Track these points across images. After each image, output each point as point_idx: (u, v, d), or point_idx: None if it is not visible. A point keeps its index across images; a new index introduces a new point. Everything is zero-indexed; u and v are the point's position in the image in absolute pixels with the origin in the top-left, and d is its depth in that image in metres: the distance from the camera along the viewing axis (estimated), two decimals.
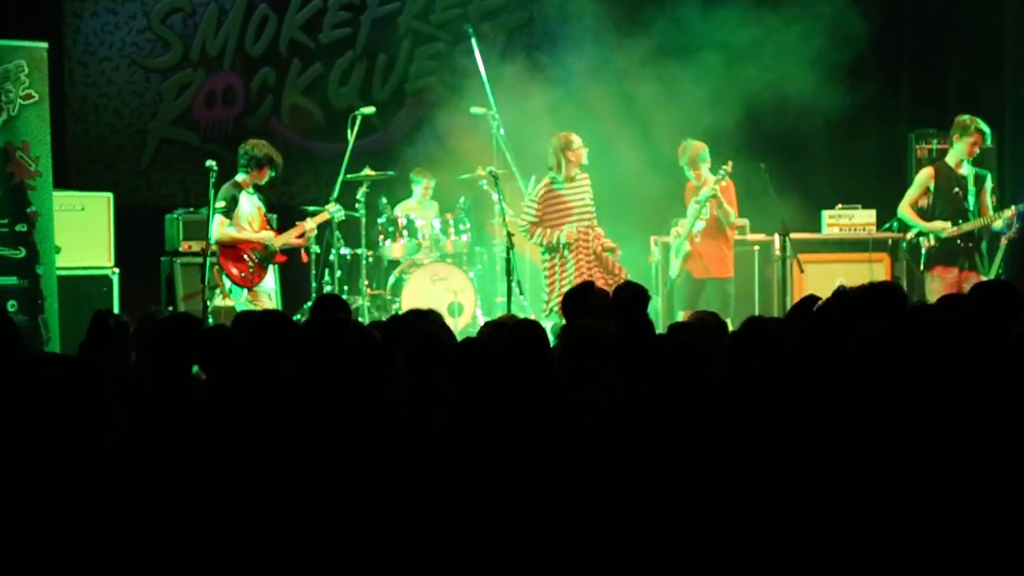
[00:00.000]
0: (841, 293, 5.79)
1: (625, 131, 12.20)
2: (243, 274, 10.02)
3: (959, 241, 10.13)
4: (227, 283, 10.03)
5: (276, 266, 10.43)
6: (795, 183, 11.61)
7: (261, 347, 5.31)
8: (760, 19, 12.26)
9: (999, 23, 13.01)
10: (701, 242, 10.42)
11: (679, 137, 10.87)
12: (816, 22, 12.24)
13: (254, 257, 10.08)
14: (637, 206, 11.68)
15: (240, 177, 10.17)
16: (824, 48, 12.27)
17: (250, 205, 10.16)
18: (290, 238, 10.38)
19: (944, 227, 10.09)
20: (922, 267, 10.34)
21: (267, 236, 10.17)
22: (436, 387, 5.12)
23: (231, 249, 10.02)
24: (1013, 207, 10.27)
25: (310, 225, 10.49)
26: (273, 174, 10.24)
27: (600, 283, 9.25)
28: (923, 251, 10.24)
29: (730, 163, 10.33)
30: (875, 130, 13.08)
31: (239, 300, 10.04)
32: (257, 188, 10.28)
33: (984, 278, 9.88)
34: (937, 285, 10.01)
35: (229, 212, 10.03)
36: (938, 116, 12.51)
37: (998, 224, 10.17)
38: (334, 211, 10.77)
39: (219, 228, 9.96)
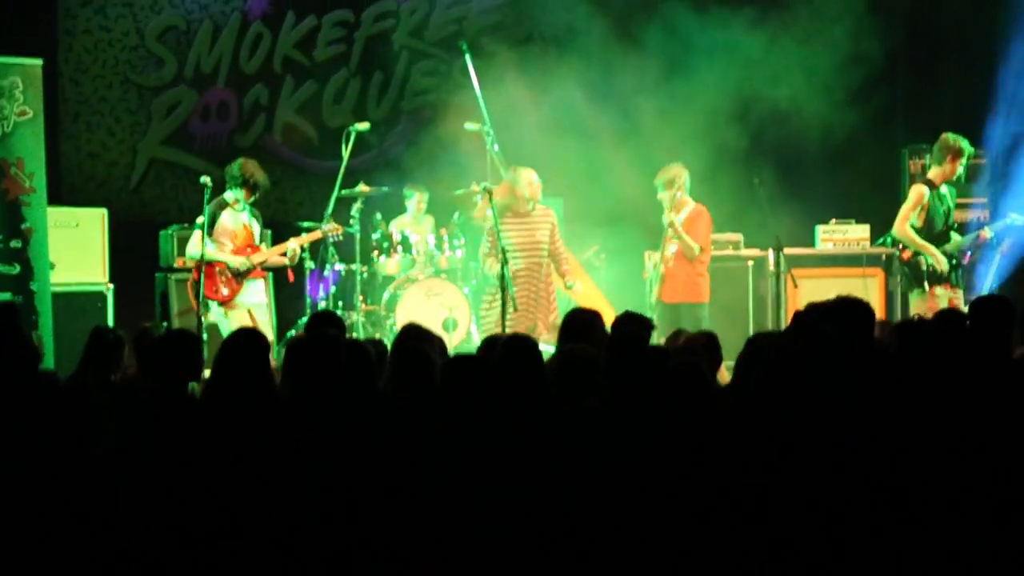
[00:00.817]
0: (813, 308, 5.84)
1: (621, 146, 12.22)
2: (215, 289, 9.98)
3: (953, 259, 10.17)
4: (201, 297, 9.98)
5: (268, 280, 10.38)
6: (789, 198, 11.62)
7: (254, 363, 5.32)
8: (756, 37, 12.30)
9: (992, 39, 13.06)
10: (674, 266, 10.39)
11: (675, 152, 10.89)
12: (811, 39, 12.28)
13: (227, 272, 10.05)
14: (633, 221, 11.69)
15: (227, 195, 10.16)
16: (819, 65, 12.31)
17: (234, 222, 10.13)
18: (272, 255, 10.32)
19: (940, 260, 10.04)
20: (926, 285, 10.24)
21: (240, 261, 10.08)
22: (423, 401, 5.13)
23: (206, 266, 9.99)
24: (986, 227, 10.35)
25: (293, 245, 10.42)
26: (256, 196, 10.22)
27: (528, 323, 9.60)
28: (923, 269, 10.19)
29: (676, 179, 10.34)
30: (869, 145, 13.11)
31: (215, 314, 10.00)
32: (252, 205, 10.29)
33: (959, 291, 9.96)
34: (938, 302, 10.01)
35: (208, 229, 10.01)
36: (932, 131, 12.49)
37: (988, 234, 10.20)
38: (329, 230, 10.75)
39: (196, 244, 9.96)
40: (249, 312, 10.04)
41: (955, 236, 10.18)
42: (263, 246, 10.48)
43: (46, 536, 4.08)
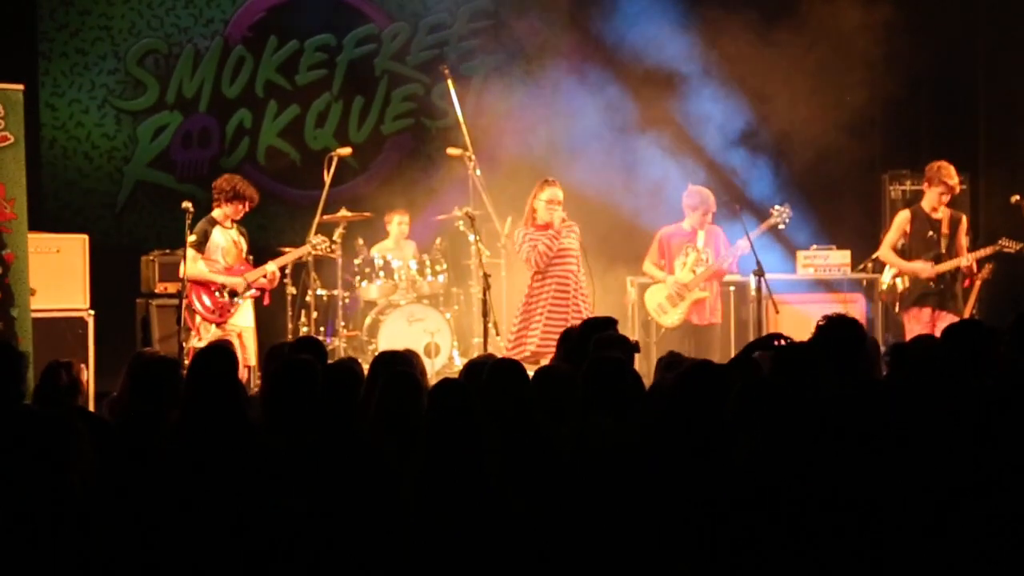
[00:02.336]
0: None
1: (605, 166, 12.24)
2: (213, 310, 9.98)
3: (931, 283, 10.18)
4: (198, 320, 9.99)
5: (252, 303, 10.36)
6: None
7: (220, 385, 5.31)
8: (739, 63, 12.35)
9: (972, 63, 13.13)
10: (706, 288, 10.52)
11: (659, 173, 10.94)
12: (796, 68, 12.34)
13: (225, 292, 10.05)
14: (616, 243, 11.70)
15: (216, 212, 10.18)
16: (800, 91, 12.36)
17: (224, 239, 10.15)
18: (256, 277, 10.31)
19: (924, 268, 10.14)
20: (898, 308, 10.40)
21: (236, 282, 10.11)
22: (408, 428, 5.12)
23: (201, 284, 10.00)
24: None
25: (271, 268, 10.39)
26: (246, 208, 10.21)
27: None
28: (899, 291, 10.32)
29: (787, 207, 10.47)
30: (849, 171, 13.16)
31: (207, 336, 9.96)
32: (240, 223, 10.29)
33: (943, 314, 9.98)
34: (912, 326, 10.09)
35: (200, 246, 10.03)
36: (912, 157, 12.61)
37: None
38: (316, 241, 10.73)
39: (190, 263, 9.95)
40: (240, 336, 10.00)
41: (949, 261, 10.20)
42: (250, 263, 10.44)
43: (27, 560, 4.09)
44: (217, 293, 10.04)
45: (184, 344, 9.86)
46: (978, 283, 10.73)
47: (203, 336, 9.94)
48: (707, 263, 10.52)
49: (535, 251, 9.66)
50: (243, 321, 10.21)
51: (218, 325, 10.02)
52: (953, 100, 13.16)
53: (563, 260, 9.75)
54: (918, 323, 10.04)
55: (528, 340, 9.70)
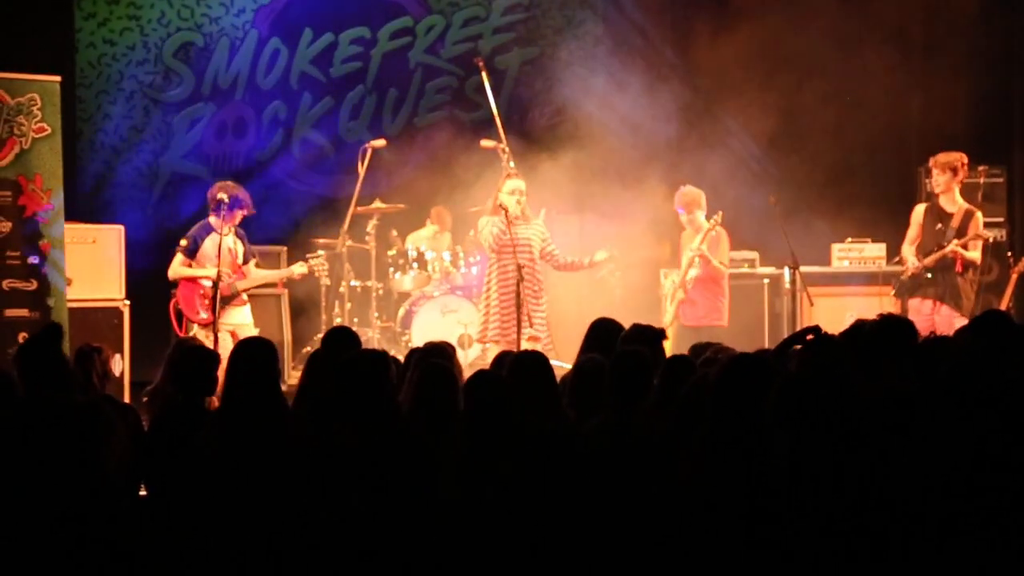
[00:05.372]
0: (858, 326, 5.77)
1: (636, 161, 12.23)
2: (196, 312, 9.83)
3: (928, 274, 10.10)
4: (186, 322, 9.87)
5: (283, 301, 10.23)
6: (805, 217, 11.61)
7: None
8: (769, 53, 12.30)
9: (1009, 55, 13.05)
10: (694, 289, 10.38)
11: (692, 168, 10.89)
12: (827, 56, 12.28)
13: (208, 296, 9.73)
14: (648, 238, 11.68)
15: (211, 220, 9.92)
16: (835, 82, 12.30)
17: (216, 247, 9.76)
18: (247, 286, 10.04)
19: (911, 260, 10.09)
20: (894, 295, 10.37)
21: (223, 270, 9.74)
22: (443, 419, 5.13)
23: (185, 289, 9.87)
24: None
25: (299, 272, 10.20)
26: (243, 213, 9.90)
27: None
28: (900, 282, 10.27)
29: (720, 213, 10.26)
30: (885, 164, 13.10)
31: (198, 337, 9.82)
32: (239, 228, 10.04)
33: (956, 312, 9.89)
34: (913, 317, 9.98)
35: (190, 251, 9.86)
36: (948, 150, 12.50)
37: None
38: (296, 268, 10.24)
39: (174, 265, 9.89)
40: (232, 334, 9.86)
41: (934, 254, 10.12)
42: (251, 265, 10.14)
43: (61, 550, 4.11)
44: (201, 295, 9.79)
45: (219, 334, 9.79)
46: (1014, 276, 10.64)
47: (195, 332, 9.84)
48: (698, 264, 10.35)
49: (491, 234, 9.54)
50: (237, 319, 9.97)
51: (204, 326, 9.74)
52: (989, 93, 13.07)
53: (517, 249, 9.52)
54: (918, 315, 9.95)
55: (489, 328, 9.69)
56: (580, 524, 4.69)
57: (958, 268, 10.01)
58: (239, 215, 9.94)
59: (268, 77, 13.22)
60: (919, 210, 10.38)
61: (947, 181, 10.08)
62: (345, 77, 13.42)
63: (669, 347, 10.38)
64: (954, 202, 10.15)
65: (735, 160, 12.41)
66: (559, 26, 13.68)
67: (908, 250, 10.26)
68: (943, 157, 10.13)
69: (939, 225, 10.15)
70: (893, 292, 10.39)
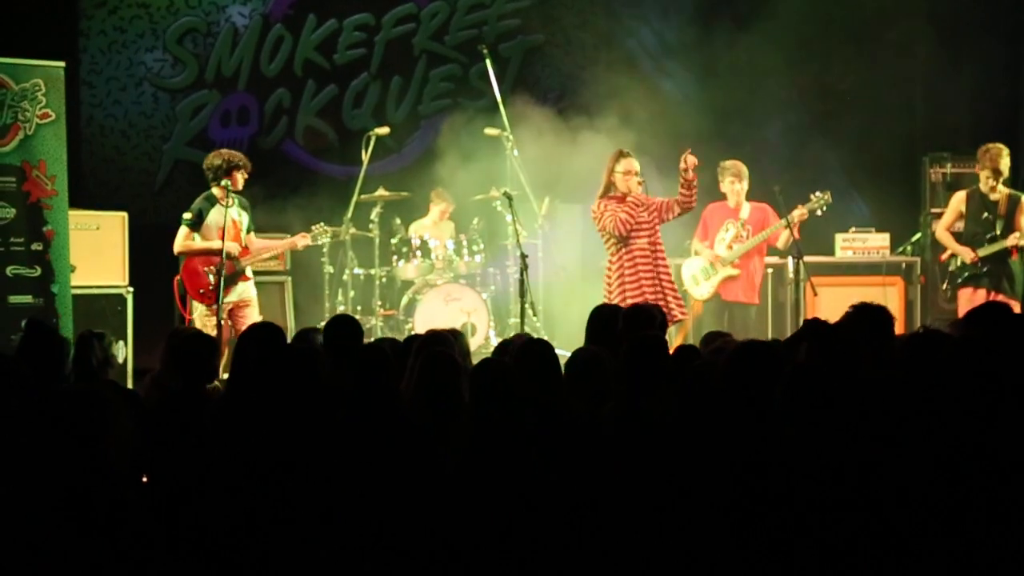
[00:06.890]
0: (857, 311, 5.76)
1: (646, 148, 12.21)
2: (201, 290, 9.83)
3: (982, 264, 10.20)
4: (190, 299, 9.87)
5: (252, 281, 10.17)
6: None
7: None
8: (777, 44, 12.28)
9: (1014, 42, 13.03)
10: (740, 264, 10.48)
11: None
12: (830, 45, 12.26)
13: (212, 272, 9.75)
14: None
15: (214, 190, 9.96)
16: (838, 71, 12.28)
17: (221, 218, 9.81)
18: (262, 253, 10.20)
19: (966, 252, 10.22)
20: (946, 287, 10.50)
21: (230, 246, 9.78)
22: (447, 406, 5.14)
23: (190, 264, 9.87)
24: None
25: (301, 243, 10.43)
26: (245, 175, 9.95)
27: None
28: (949, 271, 10.41)
29: (828, 193, 10.35)
30: (889, 153, 13.08)
31: (197, 315, 9.85)
32: (243, 199, 10.11)
33: (1014, 298, 9.99)
34: (966, 307, 10.06)
35: (194, 224, 9.87)
36: (952, 140, 12.51)
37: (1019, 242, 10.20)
38: (299, 240, 10.51)
39: (180, 239, 9.88)
40: (235, 306, 9.87)
41: (999, 241, 10.20)
42: (252, 235, 10.21)
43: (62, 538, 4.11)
44: (206, 271, 9.80)
45: (222, 320, 9.79)
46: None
47: (192, 313, 9.86)
48: (746, 239, 10.48)
49: (616, 219, 9.34)
50: (240, 294, 9.96)
51: (208, 306, 9.75)
52: (993, 82, 13.05)
53: (645, 229, 9.41)
54: (971, 304, 9.99)
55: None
56: (589, 512, 4.68)
57: (1013, 255, 10.16)
58: (239, 177, 9.94)
59: (272, 64, 13.20)
60: (959, 198, 10.55)
61: (987, 178, 10.20)
62: (349, 64, 13.40)
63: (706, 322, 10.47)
64: (996, 189, 10.24)
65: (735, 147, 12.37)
66: (563, 13, 13.66)
67: (946, 237, 10.38)
68: (992, 154, 10.18)
69: (986, 214, 10.25)
70: (945, 284, 10.47)
